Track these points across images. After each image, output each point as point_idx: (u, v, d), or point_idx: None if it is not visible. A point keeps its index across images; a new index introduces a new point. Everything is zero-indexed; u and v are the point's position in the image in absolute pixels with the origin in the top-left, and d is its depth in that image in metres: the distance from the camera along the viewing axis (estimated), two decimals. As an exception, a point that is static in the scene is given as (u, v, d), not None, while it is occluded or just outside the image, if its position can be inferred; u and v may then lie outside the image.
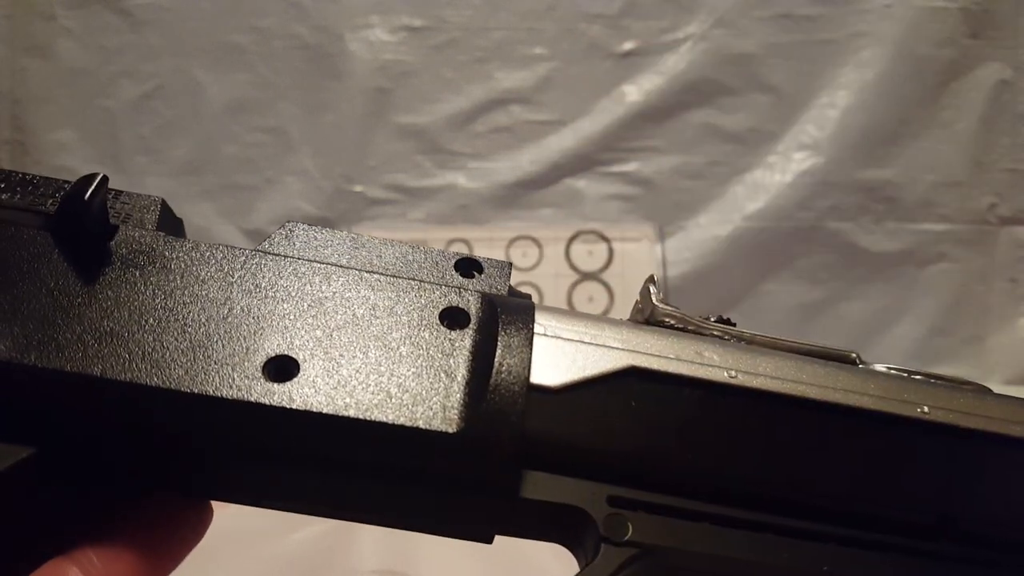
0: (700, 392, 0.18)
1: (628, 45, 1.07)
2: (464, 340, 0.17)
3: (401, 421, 0.16)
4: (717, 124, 1.08)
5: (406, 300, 0.18)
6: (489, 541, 0.19)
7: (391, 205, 1.08)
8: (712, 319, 0.20)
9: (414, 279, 0.18)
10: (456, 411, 0.16)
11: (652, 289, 0.21)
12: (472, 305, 0.18)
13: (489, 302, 0.18)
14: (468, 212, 1.07)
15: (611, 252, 1.00)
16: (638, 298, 0.21)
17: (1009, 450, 0.19)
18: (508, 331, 0.17)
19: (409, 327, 0.17)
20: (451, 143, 1.08)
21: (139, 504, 0.18)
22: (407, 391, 0.16)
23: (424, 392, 0.16)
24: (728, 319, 0.21)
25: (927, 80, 1.07)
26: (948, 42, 1.06)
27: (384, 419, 0.16)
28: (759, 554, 0.17)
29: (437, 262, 0.20)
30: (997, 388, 0.88)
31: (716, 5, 1.06)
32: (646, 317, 0.20)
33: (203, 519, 0.20)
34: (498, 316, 0.18)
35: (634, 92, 1.07)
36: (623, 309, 0.97)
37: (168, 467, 0.18)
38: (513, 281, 0.85)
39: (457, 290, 0.18)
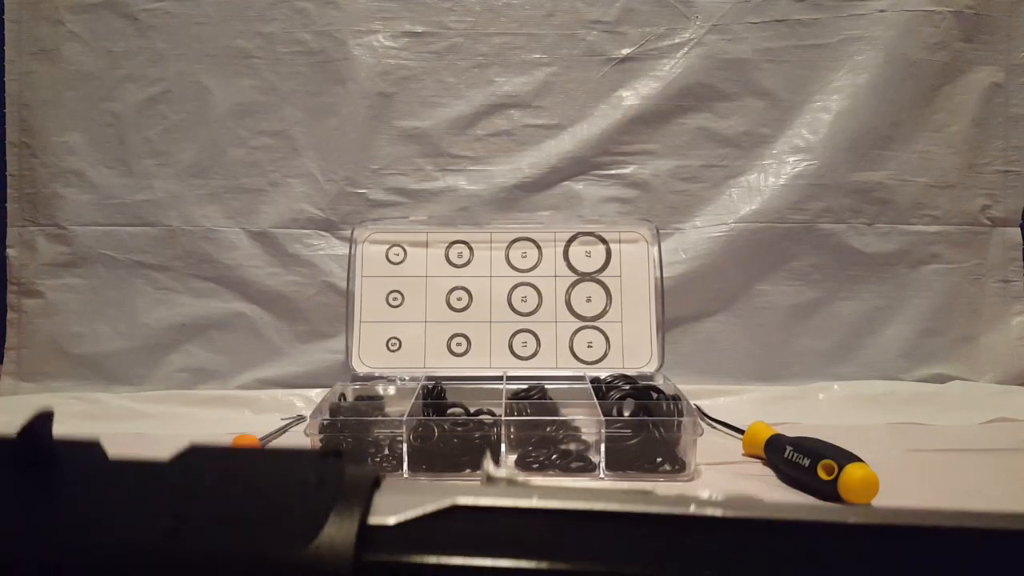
0: (512, 516, 0.24)
1: (625, 51, 1.08)
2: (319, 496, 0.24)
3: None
4: (712, 128, 1.09)
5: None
6: None
7: (393, 207, 1.09)
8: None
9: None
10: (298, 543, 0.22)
11: (487, 461, 0.27)
12: (324, 472, 0.25)
13: (337, 469, 0.25)
14: (469, 214, 1.08)
15: (609, 253, 1.01)
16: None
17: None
18: (349, 491, 0.24)
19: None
20: (452, 147, 1.09)
21: None
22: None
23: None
24: None
25: (920, 83, 1.08)
26: (941, 46, 1.07)
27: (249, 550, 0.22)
28: None
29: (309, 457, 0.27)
30: (989, 387, 0.89)
31: (711, 11, 1.07)
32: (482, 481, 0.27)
33: None
34: (344, 479, 0.25)
35: (631, 96, 1.08)
36: (620, 308, 0.98)
37: None
38: (512, 282, 0.87)
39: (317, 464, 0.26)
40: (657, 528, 0.24)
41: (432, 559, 0.23)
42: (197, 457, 0.27)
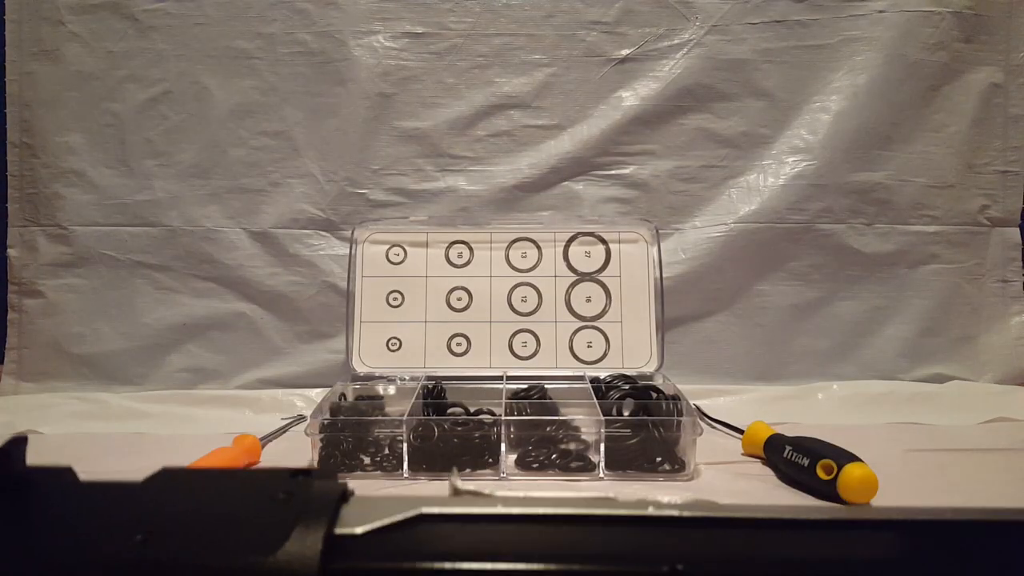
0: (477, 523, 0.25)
1: (625, 51, 1.08)
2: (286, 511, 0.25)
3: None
4: (712, 128, 1.09)
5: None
6: None
7: (393, 208, 1.09)
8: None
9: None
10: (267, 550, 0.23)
11: (454, 477, 0.28)
12: (292, 489, 0.26)
13: (305, 484, 0.26)
14: (468, 214, 1.08)
15: (608, 253, 1.01)
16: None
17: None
18: (317, 504, 0.25)
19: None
20: (452, 147, 1.09)
21: None
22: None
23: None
24: None
25: (919, 84, 1.08)
26: (940, 46, 1.07)
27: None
28: None
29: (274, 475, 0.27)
30: (988, 387, 0.89)
31: (711, 12, 1.07)
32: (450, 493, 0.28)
33: None
34: (312, 493, 0.25)
35: (631, 97, 1.08)
36: (620, 308, 0.98)
37: None
38: (512, 282, 0.87)
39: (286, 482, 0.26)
40: (618, 529, 0.24)
41: (398, 566, 0.23)
42: (168, 479, 0.28)
